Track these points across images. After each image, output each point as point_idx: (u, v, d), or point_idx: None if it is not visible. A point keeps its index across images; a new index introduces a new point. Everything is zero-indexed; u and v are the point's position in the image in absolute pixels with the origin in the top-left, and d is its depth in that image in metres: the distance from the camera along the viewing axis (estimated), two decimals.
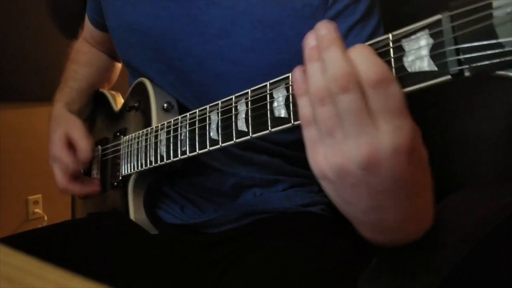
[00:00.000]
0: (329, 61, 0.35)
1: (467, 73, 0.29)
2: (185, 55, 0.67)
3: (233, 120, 0.49)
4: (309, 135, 0.38)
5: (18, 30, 1.74)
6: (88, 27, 0.94)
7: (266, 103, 0.44)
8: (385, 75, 0.33)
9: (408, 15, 0.77)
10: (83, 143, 0.78)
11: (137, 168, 0.72)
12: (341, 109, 0.34)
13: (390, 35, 0.34)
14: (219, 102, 0.52)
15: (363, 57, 0.34)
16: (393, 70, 0.34)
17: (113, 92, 0.95)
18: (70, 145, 0.80)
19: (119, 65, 1.00)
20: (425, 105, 0.76)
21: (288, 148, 0.72)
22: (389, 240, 0.44)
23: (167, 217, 0.77)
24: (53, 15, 1.82)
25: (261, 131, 0.45)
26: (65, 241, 0.68)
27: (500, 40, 0.27)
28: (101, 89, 0.95)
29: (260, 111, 0.45)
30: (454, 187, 0.68)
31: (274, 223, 0.70)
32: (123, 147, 0.78)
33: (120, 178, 0.78)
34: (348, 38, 0.62)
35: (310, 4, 0.62)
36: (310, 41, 0.37)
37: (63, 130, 0.80)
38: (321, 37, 0.36)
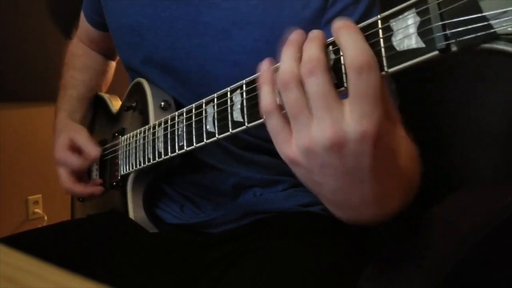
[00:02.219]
0: (307, 48, 0.37)
1: (454, 48, 0.30)
2: (185, 56, 0.67)
3: (229, 111, 0.49)
4: (271, 124, 0.40)
5: (18, 30, 1.75)
6: (84, 26, 0.94)
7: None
8: (369, 62, 0.34)
9: None
10: (89, 144, 0.79)
11: (136, 166, 0.72)
12: (308, 92, 0.36)
13: (378, 16, 0.35)
14: (215, 95, 0.53)
15: (351, 41, 0.35)
16: (383, 50, 0.35)
17: (109, 96, 0.96)
18: (74, 149, 0.80)
19: (113, 64, 1.00)
20: (424, 104, 0.76)
21: None
22: (355, 218, 0.46)
23: (166, 217, 0.77)
24: (53, 15, 1.82)
25: (256, 120, 0.46)
26: (65, 241, 0.68)
27: (484, 14, 0.28)
28: (98, 93, 0.96)
29: (255, 101, 0.45)
30: (454, 186, 0.68)
31: (274, 223, 0.69)
32: (121, 146, 0.78)
33: (119, 177, 0.78)
34: None
35: (309, 5, 0.62)
36: (292, 35, 0.40)
37: (66, 135, 0.81)
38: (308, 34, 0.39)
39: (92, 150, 0.78)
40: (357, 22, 0.62)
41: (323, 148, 0.36)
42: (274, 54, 0.63)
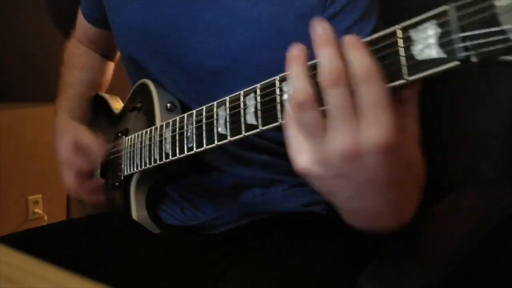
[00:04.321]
0: (322, 56, 0.37)
1: (473, 59, 0.31)
2: (186, 53, 0.67)
3: (242, 114, 0.50)
4: (292, 133, 0.40)
5: (18, 30, 1.74)
6: (82, 26, 0.93)
7: (275, 97, 0.45)
8: (371, 73, 0.35)
9: (406, 13, 0.77)
10: (97, 143, 0.79)
11: (141, 167, 0.72)
12: (329, 104, 0.37)
13: (398, 26, 0.36)
14: (227, 98, 0.53)
15: (354, 54, 0.36)
16: (403, 59, 0.35)
17: (109, 96, 0.95)
18: (80, 150, 0.80)
19: (112, 65, 1.00)
20: (426, 105, 0.76)
21: None
22: (369, 227, 0.46)
23: (167, 218, 0.77)
24: (53, 15, 1.82)
25: (271, 123, 0.46)
26: (65, 241, 0.68)
27: (503, 27, 0.29)
28: (99, 92, 0.95)
29: (270, 104, 0.46)
30: (454, 187, 0.68)
31: (274, 223, 0.70)
32: (125, 147, 0.78)
33: (122, 178, 0.78)
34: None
35: (309, 3, 0.62)
36: (294, 51, 0.40)
37: (70, 136, 0.80)
38: (317, 35, 0.38)
39: (101, 148, 0.78)
40: (356, 21, 0.62)
41: (339, 159, 0.37)
42: (272, 51, 0.64)
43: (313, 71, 0.39)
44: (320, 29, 0.38)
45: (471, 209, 0.59)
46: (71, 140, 0.79)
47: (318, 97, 0.38)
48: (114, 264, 0.66)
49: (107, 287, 0.24)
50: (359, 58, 0.36)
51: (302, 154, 0.40)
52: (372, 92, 0.35)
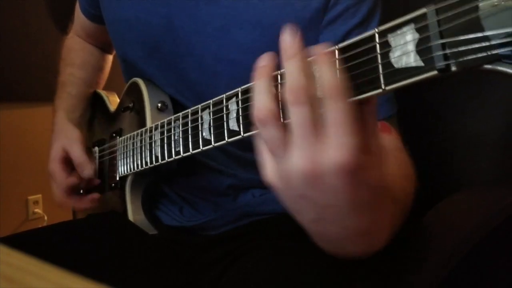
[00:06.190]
0: (289, 71, 0.36)
1: (453, 68, 0.29)
2: (184, 53, 0.66)
3: (225, 119, 0.48)
4: (260, 143, 0.40)
5: (17, 30, 1.74)
6: (79, 19, 0.92)
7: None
8: (337, 90, 0.34)
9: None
10: (83, 160, 0.79)
11: (134, 169, 0.71)
12: (291, 121, 0.35)
13: (376, 30, 0.34)
14: (211, 101, 0.52)
15: (320, 68, 0.35)
16: (380, 66, 0.33)
17: (107, 92, 0.95)
18: (67, 161, 0.80)
19: (110, 58, 0.99)
20: (425, 106, 0.76)
21: None
22: (336, 251, 0.44)
23: (165, 219, 0.77)
24: (53, 15, 1.82)
25: (252, 130, 0.45)
26: (65, 241, 0.68)
27: (486, 33, 0.26)
28: (97, 90, 0.95)
29: (250, 110, 0.45)
30: (454, 187, 0.68)
31: (273, 223, 0.69)
32: (119, 148, 0.78)
33: (117, 179, 0.78)
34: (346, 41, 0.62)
35: (310, 5, 0.61)
36: (261, 61, 0.39)
37: (61, 145, 0.80)
38: (284, 47, 0.37)
39: (86, 168, 0.78)
40: (357, 25, 0.62)
41: (299, 179, 0.36)
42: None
43: (282, 80, 0.38)
44: (288, 40, 0.36)
45: (471, 210, 0.59)
46: (60, 150, 0.80)
47: (283, 111, 0.37)
48: (114, 264, 0.66)
49: (107, 287, 0.24)
50: (325, 74, 0.34)
51: (268, 167, 0.39)
52: (335, 110, 0.34)
